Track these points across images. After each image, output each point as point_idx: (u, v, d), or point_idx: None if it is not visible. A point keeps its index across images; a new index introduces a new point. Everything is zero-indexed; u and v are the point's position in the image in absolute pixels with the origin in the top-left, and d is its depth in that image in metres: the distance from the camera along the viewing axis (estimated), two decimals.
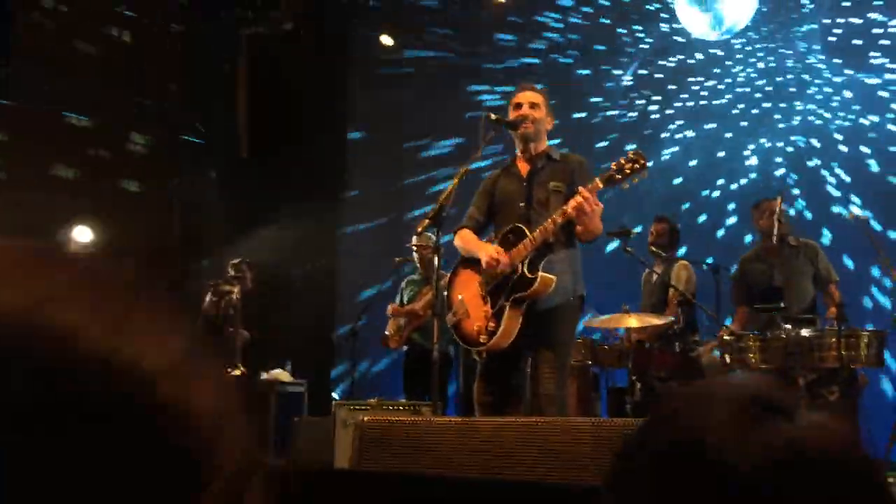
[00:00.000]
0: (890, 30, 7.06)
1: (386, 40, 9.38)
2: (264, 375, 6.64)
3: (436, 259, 3.82)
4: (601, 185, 3.40)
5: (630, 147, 4.21)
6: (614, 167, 3.38)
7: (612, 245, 6.77)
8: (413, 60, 9.47)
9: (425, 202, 8.88)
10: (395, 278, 6.97)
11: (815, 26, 7.54)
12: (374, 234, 9.35)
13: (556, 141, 4.26)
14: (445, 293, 3.87)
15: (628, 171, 3.33)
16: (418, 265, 6.54)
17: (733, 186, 7.80)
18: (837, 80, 7.36)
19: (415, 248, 6.45)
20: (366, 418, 2.96)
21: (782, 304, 4.98)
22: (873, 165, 7.05)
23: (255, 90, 9.21)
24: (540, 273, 3.53)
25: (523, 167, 3.81)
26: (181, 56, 8.80)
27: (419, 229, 3.85)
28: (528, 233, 3.56)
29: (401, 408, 5.26)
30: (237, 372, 6.03)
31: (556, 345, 3.61)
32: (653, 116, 8.25)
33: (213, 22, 8.86)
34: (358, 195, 9.72)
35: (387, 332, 6.50)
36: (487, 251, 3.68)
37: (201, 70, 8.98)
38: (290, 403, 6.39)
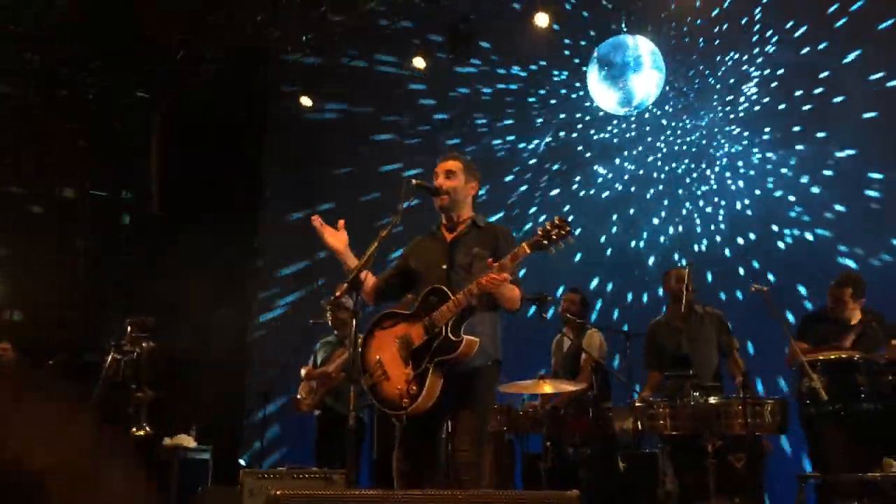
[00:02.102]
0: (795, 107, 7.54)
1: (305, 101, 9.41)
2: (167, 441, 6.34)
3: (353, 323, 3.77)
4: (528, 251, 3.41)
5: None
6: (541, 233, 3.38)
7: (527, 310, 6.88)
8: (333, 121, 9.53)
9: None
10: (309, 340, 6.84)
11: (717, 105, 7.99)
12: (289, 294, 9.21)
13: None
14: (360, 357, 3.79)
15: (554, 238, 3.36)
16: (333, 327, 6.45)
17: (644, 255, 8.06)
18: (741, 156, 7.77)
19: (329, 308, 6.38)
20: (277, 491, 2.84)
21: (690, 372, 5.14)
22: (778, 239, 7.40)
23: (169, 148, 9.06)
24: (464, 336, 3.51)
25: (447, 233, 3.85)
26: (92, 112, 8.58)
27: (338, 293, 3.77)
28: (451, 295, 3.54)
29: (311, 476, 5.09)
30: (141, 433, 5.75)
31: (476, 410, 3.58)
32: (564, 187, 8.50)
33: (128, 78, 8.70)
34: (273, 257, 9.59)
35: (298, 395, 6.34)
36: (327, 239, 3.80)
37: (114, 126, 8.79)
38: (195, 471, 6.10)
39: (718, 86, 8.00)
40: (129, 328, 6.22)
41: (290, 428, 7.98)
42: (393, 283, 3.93)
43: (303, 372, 6.38)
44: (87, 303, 8.32)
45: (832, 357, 4.59)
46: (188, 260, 8.27)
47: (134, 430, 5.64)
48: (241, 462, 7.48)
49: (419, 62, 8.87)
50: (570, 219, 3.43)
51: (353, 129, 9.54)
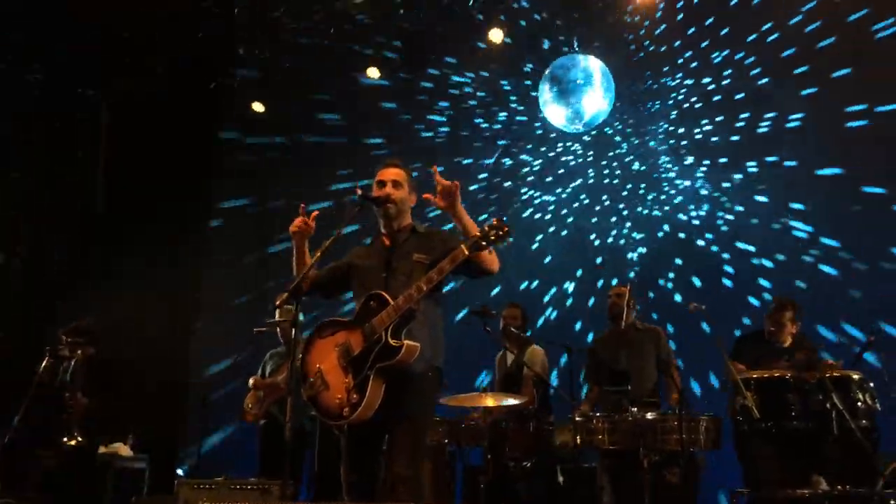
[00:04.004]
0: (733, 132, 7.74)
1: (257, 107, 9.34)
2: (102, 450, 6.18)
3: (293, 332, 3.74)
4: (467, 252, 3.41)
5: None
6: (479, 234, 3.40)
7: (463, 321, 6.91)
8: (283, 128, 9.46)
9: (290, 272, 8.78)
10: (255, 350, 6.76)
11: (663, 126, 8.16)
12: (233, 300, 9.08)
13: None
14: (300, 367, 3.75)
15: (493, 238, 3.37)
16: (281, 338, 6.39)
17: (582, 272, 8.17)
18: (684, 176, 7.94)
19: (276, 320, 6.32)
20: None
21: (629, 387, 5.23)
22: (718, 257, 7.58)
23: (116, 149, 8.88)
24: (405, 341, 3.48)
25: (387, 241, 3.84)
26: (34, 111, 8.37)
27: (278, 302, 3.73)
28: (390, 300, 3.52)
29: (248, 487, 5.01)
30: (73, 442, 5.61)
31: (414, 420, 3.55)
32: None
33: (77, 77, 8.51)
34: (218, 262, 9.45)
35: (245, 405, 6.26)
36: (291, 226, 3.75)
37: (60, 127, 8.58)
38: (130, 480, 5.97)
39: (664, 106, 8.17)
40: (64, 333, 6.06)
41: (236, 438, 7.87)
42: (328, 280, 3.87)
43: (250, 382, 6.30)
44: (26, 307, 8.08)
45: (765, 376, 4.71)
46: (130, 266, 8.13)
47: (65, 439, 5.50)
48: (179, 472, 7.33)
49: (373, 73, 8.89)
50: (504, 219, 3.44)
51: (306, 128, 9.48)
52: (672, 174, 8.04)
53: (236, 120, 9.46)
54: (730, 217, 7.61)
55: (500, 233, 3.36)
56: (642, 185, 8.20)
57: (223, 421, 7.69)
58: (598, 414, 5.03)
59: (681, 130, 8.05)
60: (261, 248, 9.16)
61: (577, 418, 5.04)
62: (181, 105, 8.90)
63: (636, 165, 8.29)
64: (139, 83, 8.72)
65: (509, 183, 8.66)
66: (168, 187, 8.77)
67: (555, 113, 8.50)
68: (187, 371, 8.93)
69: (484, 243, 3.37)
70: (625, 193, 8.28)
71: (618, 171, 8.36)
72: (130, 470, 6.13)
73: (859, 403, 4.46)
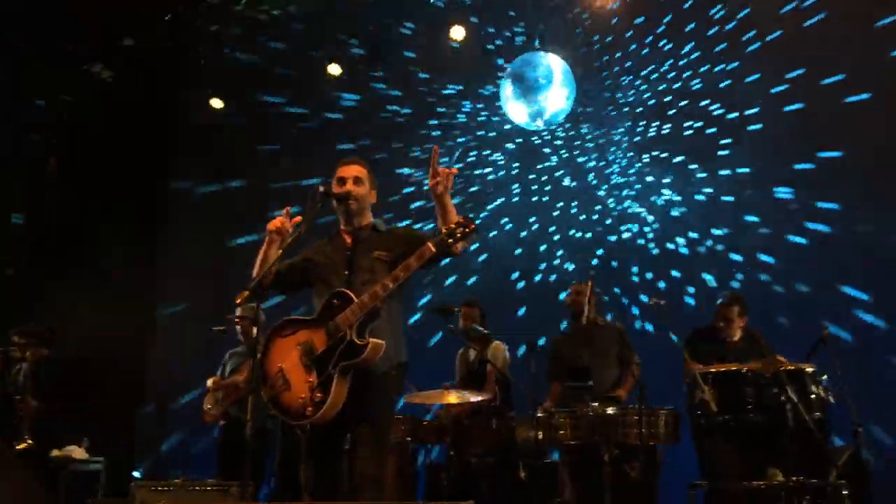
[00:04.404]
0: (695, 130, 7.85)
1: (216, 103, 9.21)
2: (56, 453, 6.05)
3: (255, 330, 3.70)
4: (433, 250, 3.39)
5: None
6: (445, 231, 3.37)
7: (428, 319, 6.91)
8: (242, 123, 9.36)
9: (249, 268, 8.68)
10: (216, 349, 6.67)
11: (625, 127, 8.25)
12: (192, 299, 8.95)
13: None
14: (259, 367, 3.70)
15: (459, 235, 3.35)
16: (241, 337, 6.32)
17: (544, 268, 8.21)
18: (645, 177, 8.04)
19: (237, 318, 6.26)
20: None
21: (590, 383, 5.27)
22: (675, 255, 7.68)
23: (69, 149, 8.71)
24: (370, 339, 3.45)
25: (348, 238, 3.82)
26: None
27: (238, 301, 3.67)
28: (354, 298, 3.48)
29: (207, 488, 4.95)
30: (23, 445, 5.48)
31: (378, 419, 3.52)
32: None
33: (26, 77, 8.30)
34: (176, 258, 9.32)
35: (204, 406, 6.18)
36: (271, 223, 3.66)
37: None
38: (85, 483, 5.84)
39: (624, 104, 8.26)
40: (15, 334, 5.92)
41: (193, 438, 7.76)
42: (286, 276, 3.79)
43: (209, 382, 6.22)
44: None
45: (722, 370, 4.79)
46: (84, 265, 7.97)
47: (15, 442, 5.37)
48: (135, 474, 7.20)
49: (334, 69, 8.83)
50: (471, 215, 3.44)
51: (262, 133, 9.39)
52: (631, 170, 8.13)
53: (196, 117, 9.32)
54: (684, 210, 7.71)
55: (467, 230, 3.35)
56: (602, 181, 8.27)
57: (181, 422, 7.57)
58: (559, 409, 5.07)
59: (642, 127, 8.14)
60: (219, 246, 9.04)
61: (539, 414, 5.07)
62: (135, 98, 8.75)
63: (595, 160, 8.36)
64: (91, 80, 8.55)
65: (473, 178, 8.67)
66: (123, 187, 8.64)
67: (516, 110, 8.53)
68: (143, 372, 8.79)
69: (451, 241, 3.36)
70: (585, 188, 8.34)
71: (578, 166, 8.42)
72: (85, 473, 6.00)
73: (813, 396, 4.55)
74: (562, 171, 8.50)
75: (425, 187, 3.73)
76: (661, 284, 7.59)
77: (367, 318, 3.47)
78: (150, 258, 9.08)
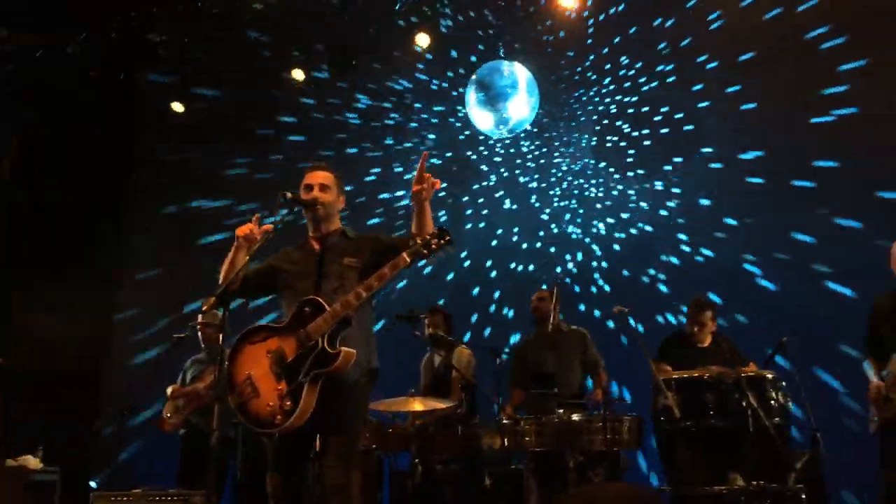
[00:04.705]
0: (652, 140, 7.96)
1: (177, 107, 9.10)
2: (10, 463, 5.89)
3: (221, 338, 3.64)
4: (408, 260, 3.37)
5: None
6: (420, 242, 3.36)
7: (390, 325, 6.90)
8: (205, 126, 9.25)
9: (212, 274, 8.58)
10: (175, 356, 6.55)
11: (586, 135, 8.34)
12: (151, 306, 8.81)
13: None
14: (227, 374, 3.65)
15: (434, 247, 3.34)
16: (203, 344, 6.23)
17: (509, 275, 8.25)
18: (606, 184, 8.13)
19: (198, 325, 6.16)
20: None
21: (555, 389, 5.31)
22: (642, 264, 7.77)
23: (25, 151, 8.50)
24: (342, 348, 3.43)
25: (316, 244, 3.80)
26: None
27: (205, 308, 3.61)
28: (326, 306, 3.46)
29: (168, 498, 4.86)
30: None
31: (346, 428, 3.51)
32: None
33: None
34: (136, 263, 9.17)
35: (164, 414, 6.06)
36: (240, 228, 3.62)
37: None
38: (40, 494, 5.70)
39: (586, 113, 8.35)
40: None
41: (153, 448, 7.61)
42: (253, 280, 3.75)
43: (169, 390, 6.11)
44: None
45: (685, 376, 4.86)
46: (38, 269, 7.80)
47: None
48: (92, 484, 7.04)
49: (298, 74, 8.78)
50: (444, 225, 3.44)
51: (224, 133, 9.30)
52: (595, 179, 8.21)
53: (156, 123, 9.20)
54: (649, 228, 7.81)
55: (441, 241, 3.35)
56: (566, 190, 8.34)
57: (140, 431, 7.43)
58: (525, 416, 5.09)
59: (606, 136, 8.23)
60: (180, 254, 8.92)
61: (505, 421, 5.09)
62: (94, 100, 8.60)
63: (559, 170, 8.43)
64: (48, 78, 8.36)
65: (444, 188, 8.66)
66: (81, 192, 8.48)
67: (481, 118, 8.58)
68: (99, 380, 8.62)
69: (425, 251, 3.36)
70: (548, 197, 8.41)
71: (543, 175, 8.49)
72: (40, 483, 5.85)
73: (773, 402, 4.66)
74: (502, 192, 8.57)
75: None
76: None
77: (338, 326, 3.45)
78: (109, 264, 8.91)
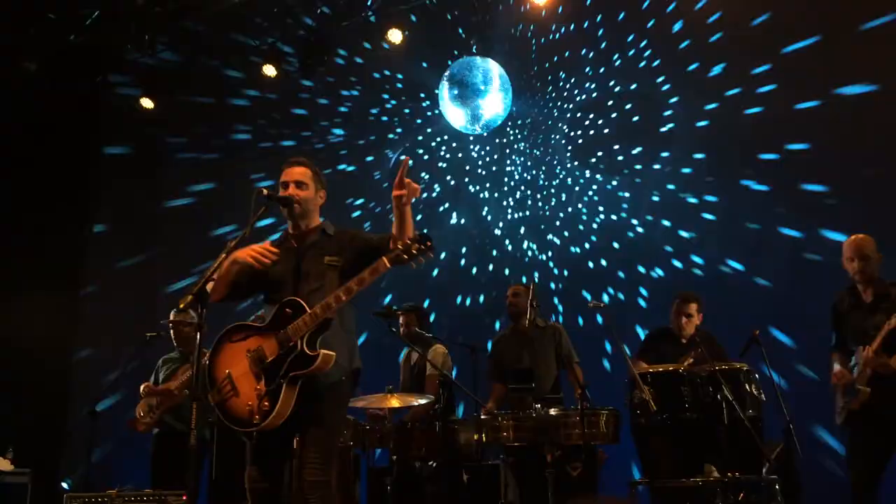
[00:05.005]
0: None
1: (146, 103, 8.98)
2: None
3: (198, 336, 3.60)
4: (388, 265, 3.36)
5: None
6: (401, 247, 3.35)
7: (373, 324, 6.88)
8: (175, 125, 9.15)
9: (180, 273, 8.51)
10: (146, 355, 6.48)
11: (560, 132, 8.38)
12: (121, 304, 8.68)
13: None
14: (207, 371, 3.63)
15: (415, 252, 3.33)
16: (175, 342, 6.16)
17: (488, 270, 8.28)
18: (580, 179, 8.18)
19: (171, 323, 6.10)
20: None
21: (532, 385, 5.34)
22: (620, 258, 7.82)
23: None
24: (321, 350, 3.43)
25: (295, 242, 3.78)
26: None
27: (181, 305, 3.56)
28: (307, 307, 3.45)
29: (144, 498, 4.81)
30: None
31: (326, 427, 3.51)
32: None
33: None
34: (102, 263, 9.04)
35: (137, 414, 5.99)
36: (242, 250, 3.53)
37: None
38: (11, 496, 5.60)
39: (562, 109, 8.39)
40: None
41: (124, 448, 7.52)
42: (240, 283, 3.70)
43: (142, 389, 6.03)
44: None
45: (660, 370, 4.92)
46: (5, 269, 7.66)
47: None
48: (64, 485, 6.93)
49: (269, 70, 8.70)
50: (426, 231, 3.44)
51: (196, 129, 9.21)
52: (570, 174, 8.25)
53: (122, 122, 9.08)
54: (634, 220, 7.86)
55: (422, 247, 3.35)
56: (541, 185, 8.37)
57: (111, 431, 7.33)
58: (502, 411, 5.11)
59: (580, 130, 8.26)
60: (148, 249, 8.81)
61: (483, 416, 5.11)
62: (58, 96, 8.46)
63: (534, 166, 8.47)
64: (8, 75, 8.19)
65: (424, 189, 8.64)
66: (45, 186, 8.34)
67: (454, 115, 8.58)
68: (69, 379, 8.49)
69: (405, 257, 3.35)
70: (522, 193, 8.44)
71: (516, 171, 8.51)
72: (11, 485, 5.74)
73: (747, 394, 4.73)
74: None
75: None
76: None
77: (318, 328, 3.45)
78: (74, 259, 8.76)
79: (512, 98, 8.46)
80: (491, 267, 8.28)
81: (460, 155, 8.75)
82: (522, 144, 8.57)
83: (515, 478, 5.26)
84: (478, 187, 8.62)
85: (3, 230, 7.99)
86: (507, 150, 8.61)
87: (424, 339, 6.13)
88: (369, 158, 8.96)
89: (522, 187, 8.41)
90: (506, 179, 8.50)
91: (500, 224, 8.42)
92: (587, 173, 8.12)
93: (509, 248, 8.30)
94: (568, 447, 4.87)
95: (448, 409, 5.88)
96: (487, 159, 8.67)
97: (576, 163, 8.21)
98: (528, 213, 8.30)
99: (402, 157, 3.62)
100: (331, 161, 8.81)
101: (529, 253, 8.18)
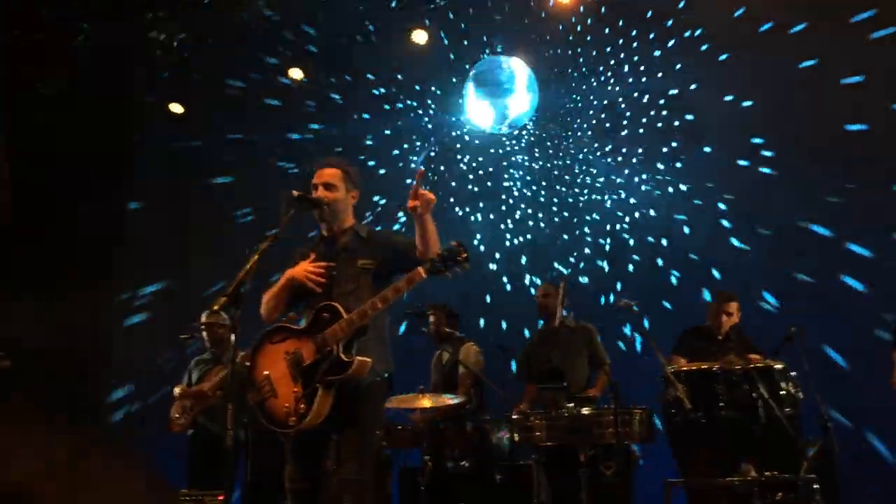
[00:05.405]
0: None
1: (175, 108, 9.05)
2: None
3: (232, 338, 3.64)
4: (424, 276, 3.42)
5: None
6: (437, 258, 3.41)
7: (406, 324, 6.90)
8: (203, 128, 9.21)
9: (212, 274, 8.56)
10: (181, 357, 6.55)
11: (589, 126, 8.33)
12: (153, 308, 8.78)
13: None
14: (247, 371, 3.69)
15: (451, 263, 3.39)
16: (208, 344, 6.21)
17: (518, 271, 8.25)
18: (608, 174, 8.12)
19: (204, 325, 6.15)
20: None
21: (564, 384, 5.31)
22: (651, 254, 7.76)
23: (20, 154, 8.42)
24: (356, 357, 3.48)
25: (330, 244, 3.79)
26: None
27: (215, 307, 3.60)
28: (343, 313, 3.50)
29: (183, 498, 4.86)
30: None
31: (363, 427, 3.55)
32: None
33: None
34: (136, 266, 9.13)
35: (172, 415, 6.06)
36: (298, 270, 3.63)
37: None
38: None
39: (589, 106, 8.34)
40: None
41: (160, 449, 7.60)
42: (286, 300, 3.79)
43: (176, 391, 6.10)
44: None
45: (693, 368, 4.87)
46: (40, 275, 7.76)
47: None
48: None
49: (296, 73, 8.74)
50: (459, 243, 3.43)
51: (223, 133, 9.27)
52: (599, 171, 8.20)
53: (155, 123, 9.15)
54: (654, 212, 7.80)
55: (458, 258, 3.37)
56: (569, 183, 8.32)
57: (153, 430, 7.42)
58: (535, 411, 5.09)
59: (608, 127, 8.22)
60: (185, 252, 8.89)
61: (515, 416, 5.09)
62: (94, 98, 8.54)
63: (562, 164, 8.42)
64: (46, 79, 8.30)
65: (438, 183, 8.66)
66: (79, 187, 8.42)
67: (480, 114, 8.56)
68: (103, 383, 8.60)
69: (442, 268, 3.38)
70: (550, 192, 8.39)
71: (545, 169, 8.47)
72: None
73: (783, 392, 4.66)
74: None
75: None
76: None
77: (354, 335, 3.50)
78: (108, 260, 8.86)
79: (538, 95, 8.43)
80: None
81: (480, 158, 8.70)
82: (549, 141, 8.53)
83: (548, 478, 5.23)
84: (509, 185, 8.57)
85: (38, 226, 8.05)
86: (536, 147, 8.54)
87: (455, 338, 6.13)
88: (400, 164, 8.97)
89: (555, 187, 8.36)
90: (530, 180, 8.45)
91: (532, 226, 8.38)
92: (617, 169, 8.07)
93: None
94: (601, 447, 4.85)
95: (480, 408, 5.88)
96: (514, 159, 8.63)
97: (608, 160, 8.16)
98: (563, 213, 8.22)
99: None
100: (359, 165, 8.81)
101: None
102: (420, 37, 8.37)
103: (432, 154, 8.71)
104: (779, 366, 4.74)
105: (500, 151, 8.71)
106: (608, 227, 8.04)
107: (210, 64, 8.81)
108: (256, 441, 5.35)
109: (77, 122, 8.43)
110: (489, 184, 8.67)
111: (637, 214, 7.91)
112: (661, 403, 4.95)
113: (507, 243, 8.41)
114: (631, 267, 7.80)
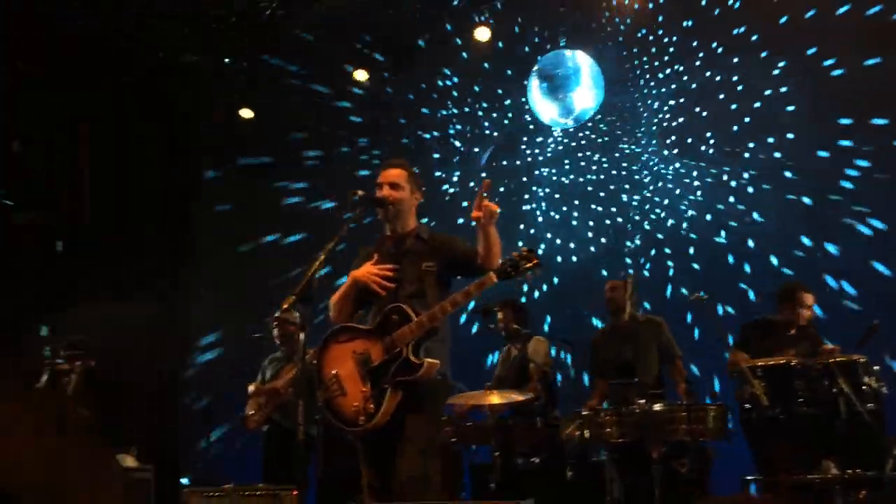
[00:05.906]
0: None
1: (246, 113, 9.26)
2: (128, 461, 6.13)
3: (302, 336, 3.71)
4: (494, 280, 3.45)
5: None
6: (508, 263, 3.43)
7: (470, 321, 6.91)
8: (272, 135, 9.40)
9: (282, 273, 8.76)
10: (254, 355, 6.71)
11: (654, 119, 8.17)
12: (227, 307, 9.01)
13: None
14: (316, 369, 3.76)
15: (521, 268, 3.40)
16: (278, 342, 6.35)
17: (584, 267, 8.14)
18: (672, 169, 7.95)
19: (275, 323, 6.29)
20: None
21: (636, 379, 5.22)
22: (716, 250, 7.58)
23: (100, 156, 8.76)
24: (425, 359, 3.52)
25: (394, 246, 3.83)
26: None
27: (285, 305, 3.68)
28: (412, 315, 3.54)
29: (259, 493, 4.97)
30: None
31: (425, 425, 3.59)
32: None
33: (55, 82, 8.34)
34: (209, 267, 9.39)
35: (247, 412, 6.22)
36: (362, 272, 3.68)
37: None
38: (137, 492, 5.89)
39: (654, 100, 8.18)
40: (61, 348, 6.01)
41: (236, 445, 7.81)
42: (353, 301, 3.84)
43: (250, 388, 6.27)
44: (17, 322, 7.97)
45: (770, 363, 4.73)
46: (120, 277, 8.05)
47: None
48: (184, 481, 7.26)
49: (361, 75, 8.83)
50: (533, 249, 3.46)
51: (283, 139, 9.44)
52: (663, 164, 8.04)
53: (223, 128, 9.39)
54: (722, 206, 7.62)
55: (530, 263, 3.38)
56: (634, 177, 8.18)
57: (224, 429, 7.65)
58: (605, 407, 5.03)
59: (672, 121, 8.05)
60: (253, 253, 9.10)
61: (585, 412, 5.04)
62: (161, 106, 8.82)
63: (626, 158, 8.28)
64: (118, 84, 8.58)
65: (504, 179, 8.63)
66: (155, 192, 8.71)
67: (545, 109, 8.50)
68: (186, 380, 8.87)
69: (512, 272, 3.39)
70: (616, 186, 8.27)
71: (609, 163, 8.35)
72: (137, 481, 6.05)
73: (865, 387, 4.49)
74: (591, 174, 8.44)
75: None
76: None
77: (423, 337, 3.54)
78: (184, 262, 9.13)
79: (604, 90, 8.31)
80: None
81: (549, 151, 8.62)
82: (610, 137, 8.40)
83: (620, 475, 5.16)
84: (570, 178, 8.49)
85: (116, 228, 8.32)
86: (600, 144, 8.43)
87: (523, 333, 6.10)
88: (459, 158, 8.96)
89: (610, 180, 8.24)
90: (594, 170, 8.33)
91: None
92: (683, 163, 7.90)
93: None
94: (674, 444, 4.75)
95: (550, 404, 5.84)
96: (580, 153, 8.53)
97: (675, 151, 7.99)
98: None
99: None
100: (426, 162, 8.87)
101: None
102: (483, 34, 8.37)
103: (489, 154, 8.66)
104: (861, 359, 4.57)
105: (572, 145, 8.59)
106: (671, 222, 7.86)
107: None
108: (329, 438, 5.43)
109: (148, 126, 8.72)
110: (558, 178, 8.58)
111: (705, 210, 7.72)
112: (737, 399, 4.83)
113: (575, 241, 8.30)
114: (696, 265, 7.62)
